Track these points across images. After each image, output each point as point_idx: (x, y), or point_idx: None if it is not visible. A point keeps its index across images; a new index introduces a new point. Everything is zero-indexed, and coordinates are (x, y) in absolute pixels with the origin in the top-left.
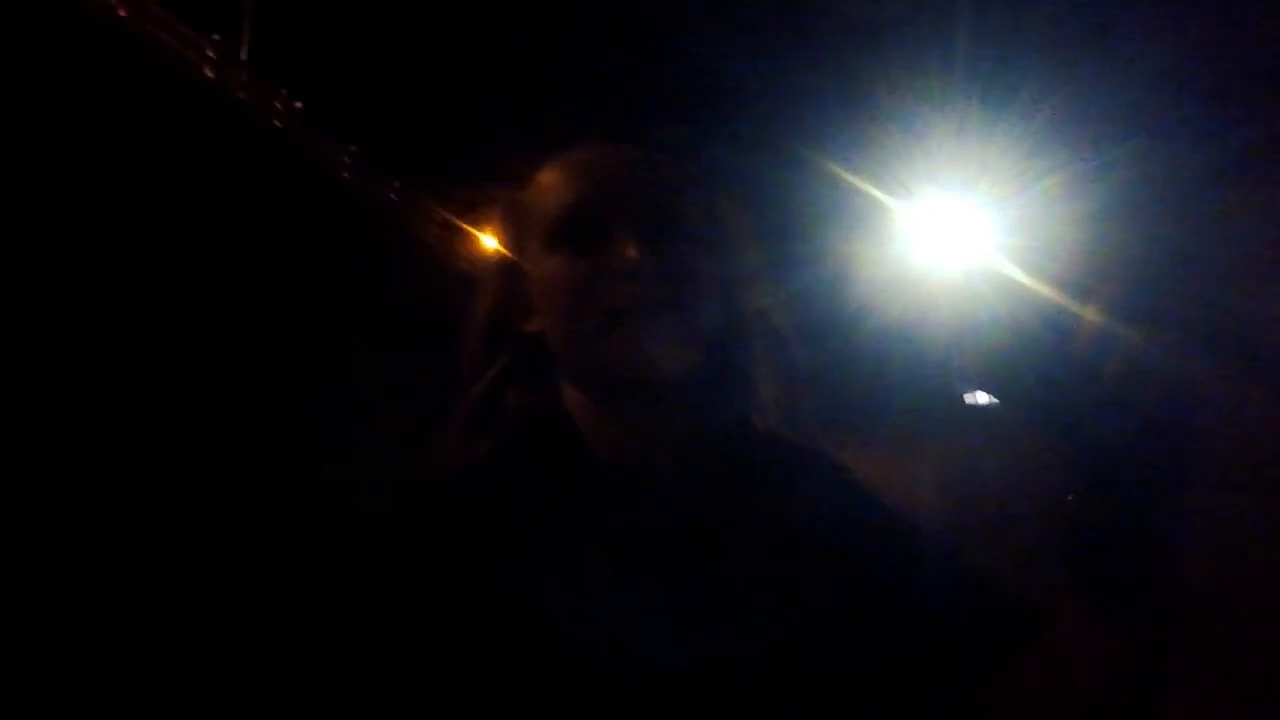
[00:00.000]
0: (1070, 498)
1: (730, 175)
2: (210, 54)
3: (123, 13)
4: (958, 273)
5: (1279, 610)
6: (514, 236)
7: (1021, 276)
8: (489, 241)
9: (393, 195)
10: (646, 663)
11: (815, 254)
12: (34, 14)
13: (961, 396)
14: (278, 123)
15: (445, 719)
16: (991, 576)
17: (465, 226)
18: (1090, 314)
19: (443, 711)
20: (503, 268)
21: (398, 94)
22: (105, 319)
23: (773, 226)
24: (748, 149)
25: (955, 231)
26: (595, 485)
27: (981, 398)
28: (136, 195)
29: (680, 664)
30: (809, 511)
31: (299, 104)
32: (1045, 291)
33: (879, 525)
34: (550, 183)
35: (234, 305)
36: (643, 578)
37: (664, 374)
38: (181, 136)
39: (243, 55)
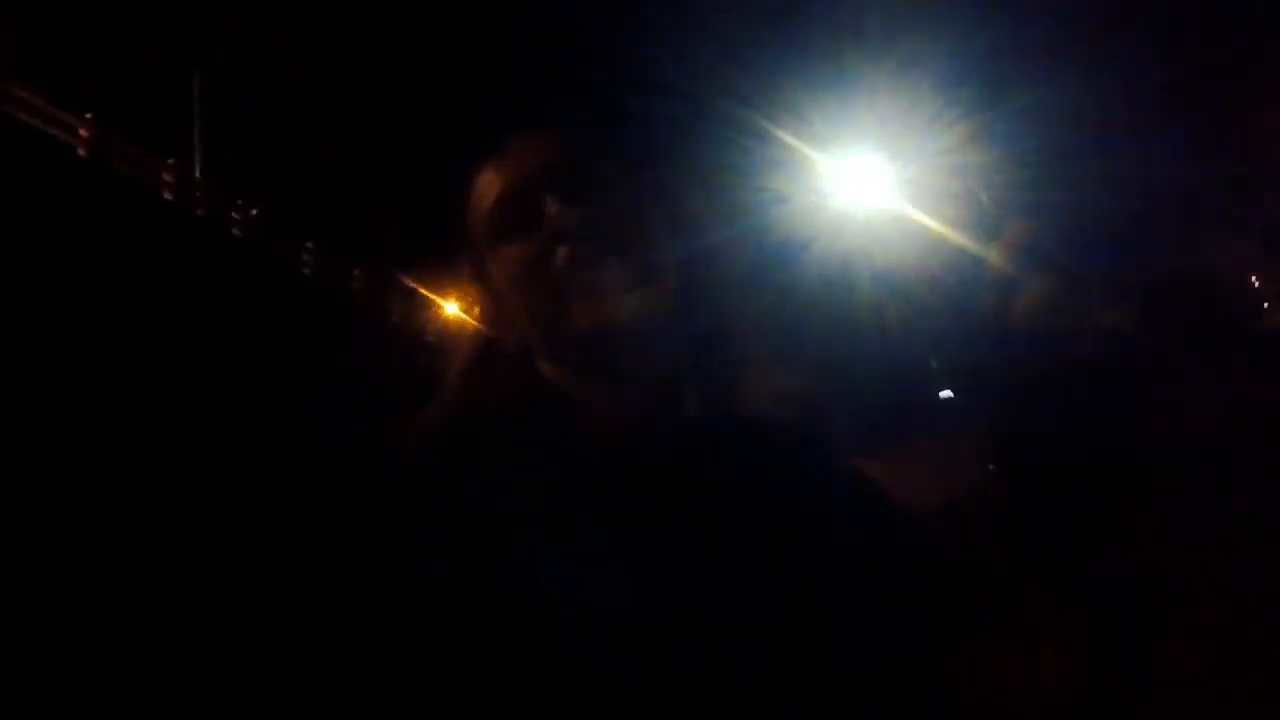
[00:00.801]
0: (991, 467)
1: (653, 128)
2: (167, 177)
3: (83, 152)
4: (873, 219)
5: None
6: (470, 248)
7: (931, 222)
8: (450, 308)
9: (353, 280)
10: (627, 629)
11: (741, 201)
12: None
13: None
14: (238, 231)
15: (435, 689)
16: (956, 555)
17: (426, 295)
18: (997, 257)
19: (432, 682)
20: (471, 281)
21: (347, 185)
22: (102, 435)
23: (699, 175)
24: (672, 102)
25: (870, 181)
26: (582, 457)
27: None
28: (120, 311)
29: (659, 629)
30: (786, 477)
31: (255, 211)
32: (953, 235)
33: (852, 492)
34: (483, 183)
35: (213, 396)
36: (629, 546)
37: (626, 327)
38: (153, 253)
39: (197, 173)
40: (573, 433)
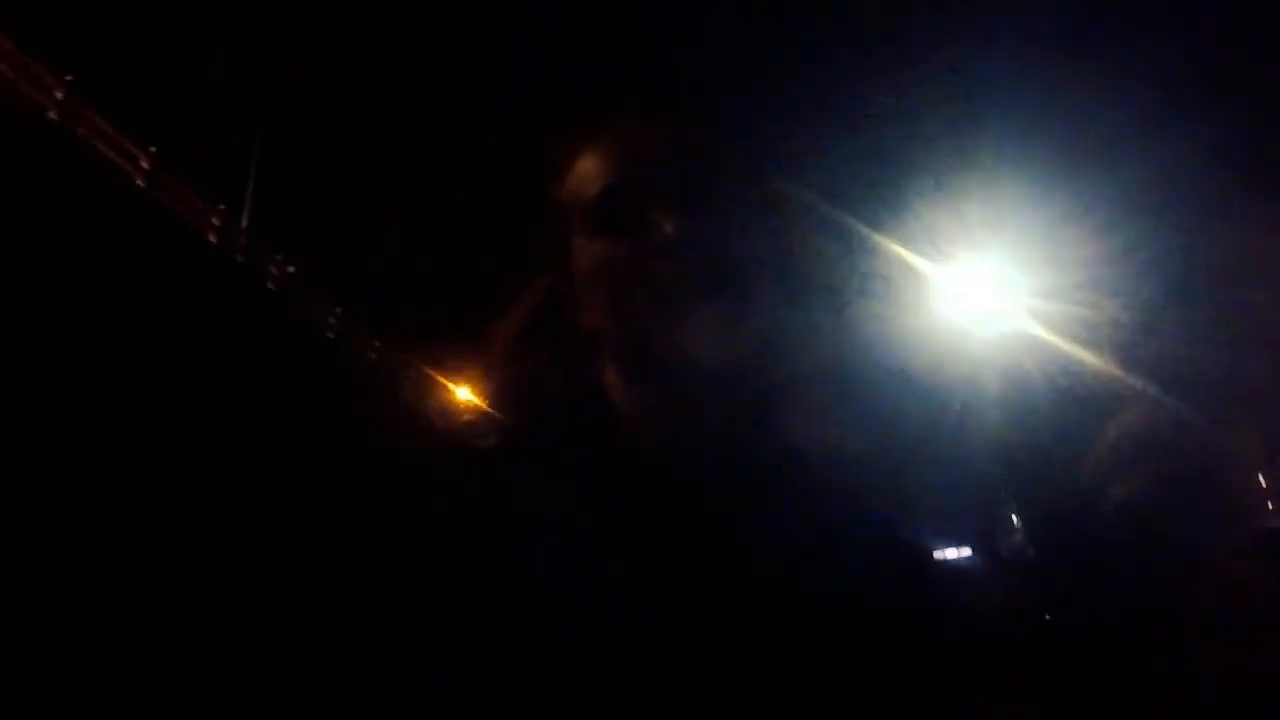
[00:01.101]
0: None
1: (767, 169)
2: (215, 221)
3: (141, 183)
4: (990, 334)
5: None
6: (557, 230)
7: (1054, 339)
8: (462, 393)
9: (372, 352)
10: (650, 639)
11: (841, 285)
12: (65, 187)
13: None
14: (271, 284)
15: (446, 688)
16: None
17: (438, 379)
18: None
19: (442, 681)
20: (548, 268)
21: (382, 262)
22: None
23: (809, 240)
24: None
25: (987, 293)
26: (635, 472)
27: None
28: (149, 348)
29: (680, 641)
30: (829, 515)
31: (292, 268)
32: (1077, 353)
33: (885, 542)
34: (585, 169)
35: (227, 440)
36: (673, 563)
37: (708, 357)
38: (189, 294)
39: (244, 223)
40: (613, 446)
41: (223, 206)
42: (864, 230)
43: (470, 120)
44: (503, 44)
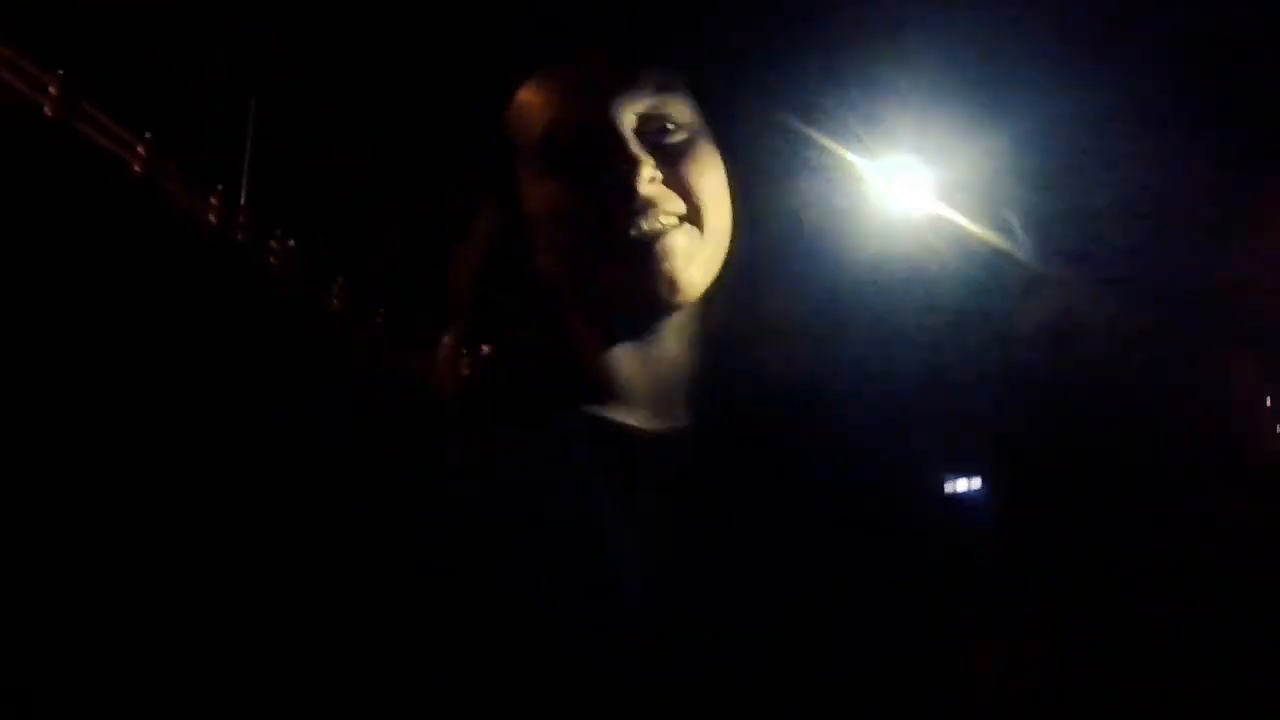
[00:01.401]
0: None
1: (721, 99)
2: (214, 202)
3: (137, 168)
4: (906, 222)
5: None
6: (499, 162)
7: (968, 224)
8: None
9: (377, 321)
10: (644, 603)
11: (789, 196)
12: (74, 176)
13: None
14: (273, 259)
15: (444, 668)
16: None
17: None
18: (1029, 262)
19: (441, 661)
20: (491, 204)
21: (382, 232)
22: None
23: (761, 168)
24: (730, 84)
25: (907, 184)
26: (599, 423)
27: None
28: (154, 328)
29: (676, 605)
30: (809, 456)
31: (292, 243)
32: (987, 238)
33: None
34: (537, 100)
35: (233, 421)
36: (645, 517)
37: (674, 298)
38: (189, 274)
39: (242, 202)
40: (587, 397)
41: (220, 187)
42: (810, 134)
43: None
44: None
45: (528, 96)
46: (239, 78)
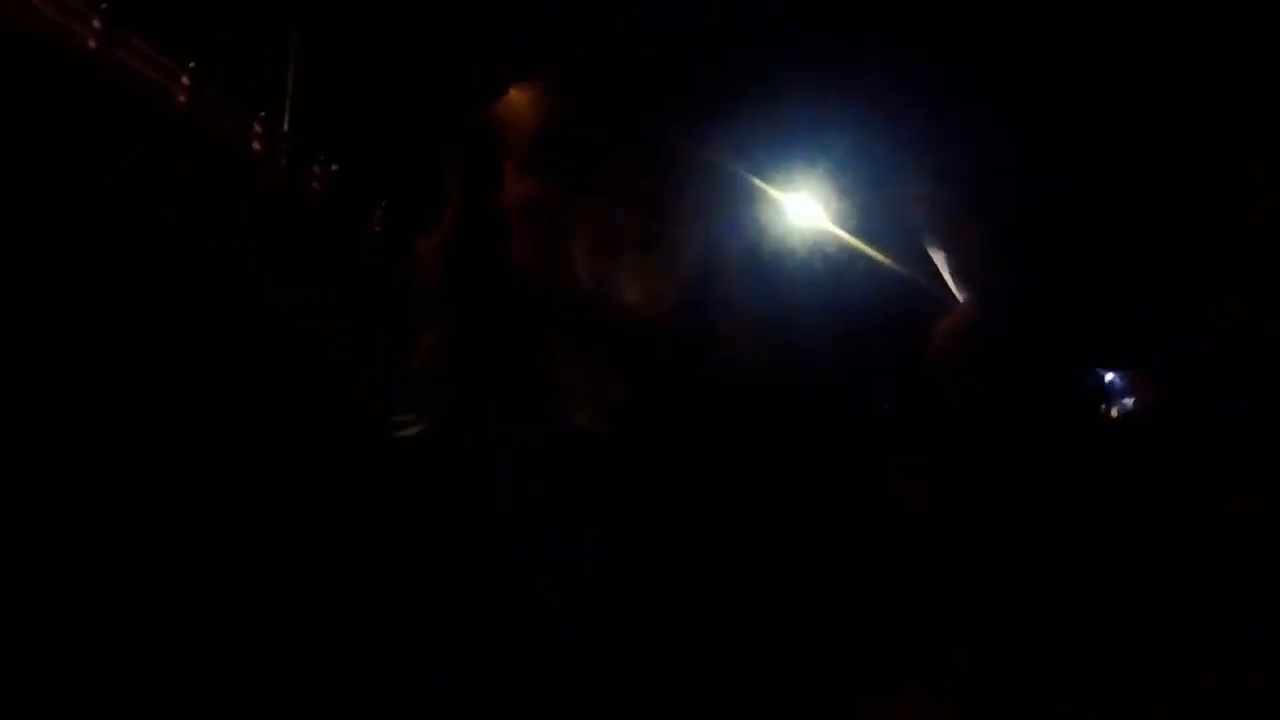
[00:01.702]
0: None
1: (703, 119)
2: (257, 129)
3: (182, 98)
4: (813, 248)
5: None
6: (482, 158)
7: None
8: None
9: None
10: (619, 610)
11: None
12: (118, 109)
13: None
14: (316, 185)
15: (433, 688)
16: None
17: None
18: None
19: (430, 681)
20: (463, 193)
21: (423, 153)
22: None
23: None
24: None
25: (810, 210)
26: (559, 423)
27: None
28: (190, 254)
29: (648, 612)
30: (785, 465)
31: (334, 167)
32: (887, 262)
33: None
34: (527, 101)
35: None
36: (621, 527)
37: (647, 309)
38: (234, 202)
39: (285, 129)
40: (560, 408)
41: (263, 114)
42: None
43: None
44: None
45: (521, 95)
46: (282, 3)
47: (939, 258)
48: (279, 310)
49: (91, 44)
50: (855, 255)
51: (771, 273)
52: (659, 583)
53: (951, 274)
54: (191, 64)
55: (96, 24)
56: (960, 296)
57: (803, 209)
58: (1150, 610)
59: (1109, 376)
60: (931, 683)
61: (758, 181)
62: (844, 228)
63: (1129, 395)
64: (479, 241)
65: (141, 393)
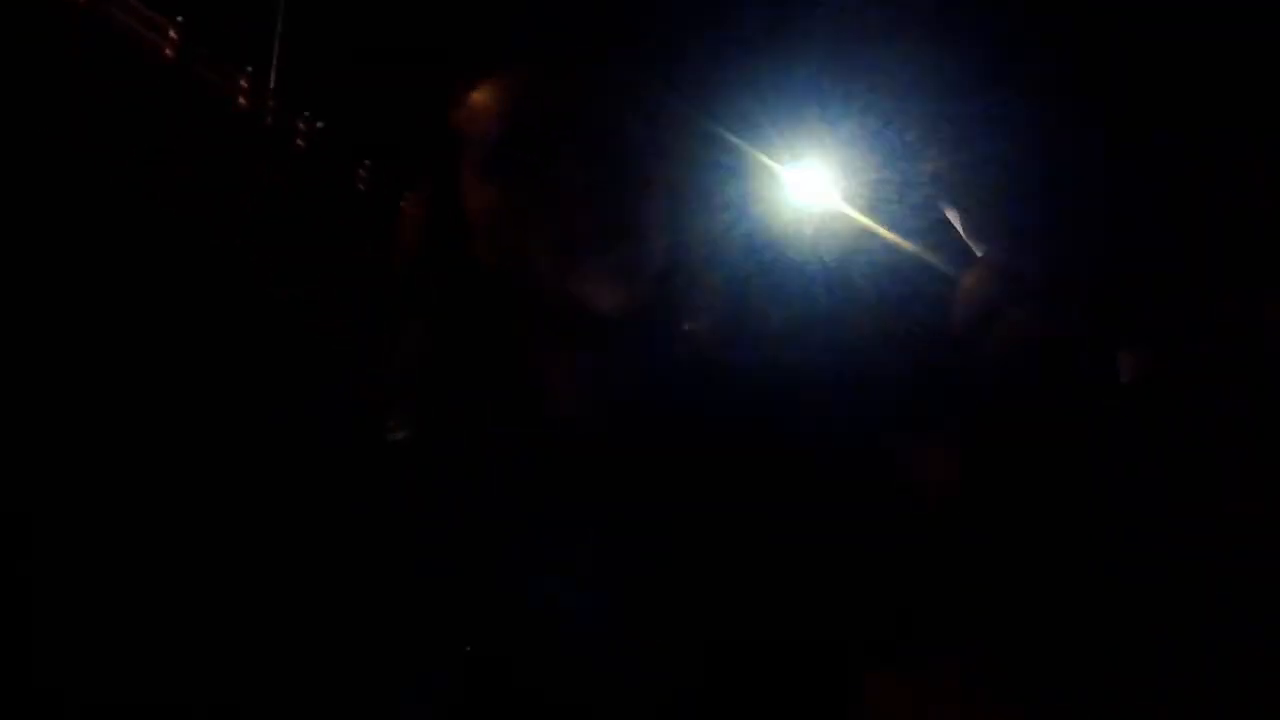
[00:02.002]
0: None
1: (668, 109)
2: (243, 85)
3: (169, 52)
4: (827, 228)
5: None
6: (445, 163)
7: (886, 231)
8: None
9: (404, 204)
10: (608, 610)
11: (731, 198)
12: (107, 63)
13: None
14: (301, 142)
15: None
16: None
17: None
18: (953, 271)
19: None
20: (432, 200)
21: (409, 112)
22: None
23: (703, 167)
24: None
25: (825, 189)
26: (544, 428)
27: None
28: (177, 211)
29: (639, 610)
30: (758, 452)
31: (320, 124)
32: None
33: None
34: (486, 104)
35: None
36: (597, 520)
37: (612, 306)
38: (220, 157)
39: (271, 85)
40: (534, 401)
41: (249, 69)
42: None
43: None
44: None
45: (478, 97)
46: None
47: (951, 235)
48: (266, 270)
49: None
50: (864, 235)
51: (757, 260)
52: (656, 581)
53: (965, 252)
54: (179, 19)
55: None
56: (974, 276)
57: (806, 188)
58: (1150, 610)
59: (1113, 358)
60: (931, 681)
61: (740, 166)
62: (853, 206)
63: (1131, 376)
64: (449, 246)
65: (124, 355)
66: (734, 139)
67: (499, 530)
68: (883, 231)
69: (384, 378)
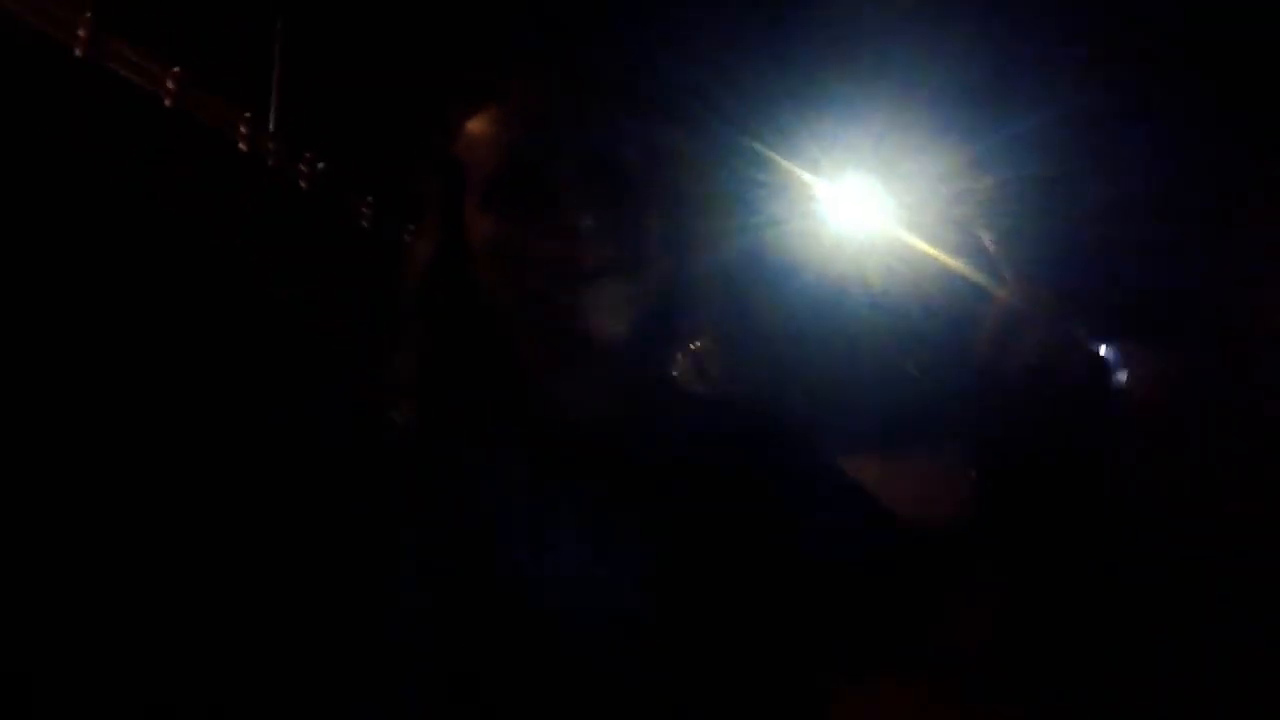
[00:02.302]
0: (972, 475)
1: (670, 133)
2: (243, 129)
3: (169, 102)
4: (868, 245)
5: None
6: (446, 193)
7: (926, 248)
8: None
9: (409, 239)
10: (610, 615)
11: (742, 222)
12: (108, 114)
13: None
14: (303, 183)
15: (429, 689)
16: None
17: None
18: (988, 284)
19: (413, 674)
20: (435, 228)
21: (409, 148)
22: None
23: (707, 191)
24: (683, 112)
25: (865, 206)
26: (546, 441)
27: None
28: (183, 259)
29: (640, 615)
30: (756, 470)
31: (322, 164)
32: (947, 261)
33: (819, 487)
34: (483, 133)
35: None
36: (594, 533)
37: (612, 333)
38: (224, 201)
39: (271, 127)
40: (534, 417)
41: (248, 114)
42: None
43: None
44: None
45: (476, 128)
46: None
47: (984, 252)
48: (269, 305)
49: (78, 51)
50: (893, 253)
51: (768, 278)
52: (652, 580)
53: (998, 269)
54: (178, 63)
55: (83, 32)
56: (1007, 291)
57: (828, 206)
58: (1150, 609)
59: (1119, 357)
60: (930, 680)
61: (753, 187)
62: (891, 223)
63: (1133, 374)
64: (453, 274)
65: (132, 383)
66: (749, 159)
67: (498, 530)
68: (913, 248)
69: (384, 379)
